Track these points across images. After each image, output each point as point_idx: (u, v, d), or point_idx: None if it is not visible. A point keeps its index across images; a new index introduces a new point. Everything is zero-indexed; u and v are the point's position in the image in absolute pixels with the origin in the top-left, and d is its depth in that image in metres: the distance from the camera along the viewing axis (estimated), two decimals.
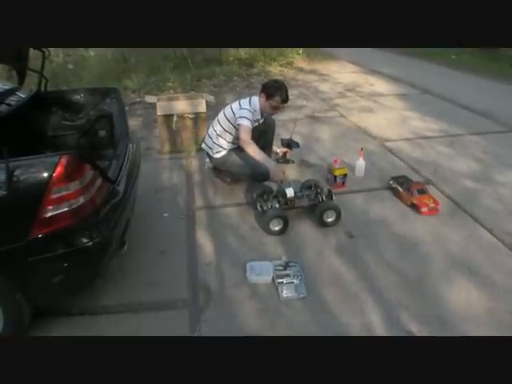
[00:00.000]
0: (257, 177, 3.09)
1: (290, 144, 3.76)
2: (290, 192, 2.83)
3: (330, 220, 2.79)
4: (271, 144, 3.60)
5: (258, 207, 2.86)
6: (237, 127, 3.06)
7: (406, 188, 3.10)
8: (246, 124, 2.97)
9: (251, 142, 2.94)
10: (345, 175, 3.35)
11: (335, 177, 3.32)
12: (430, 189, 3.21)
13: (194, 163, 3.93)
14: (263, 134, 3.39)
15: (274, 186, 3.02)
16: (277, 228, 2.72)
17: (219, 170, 3.41)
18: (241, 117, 3.00)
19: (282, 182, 2.89)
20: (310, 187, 3.02)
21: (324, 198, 2.88)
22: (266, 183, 3.09)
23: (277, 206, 2.82)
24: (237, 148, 3.22)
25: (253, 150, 2.92)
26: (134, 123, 4.98)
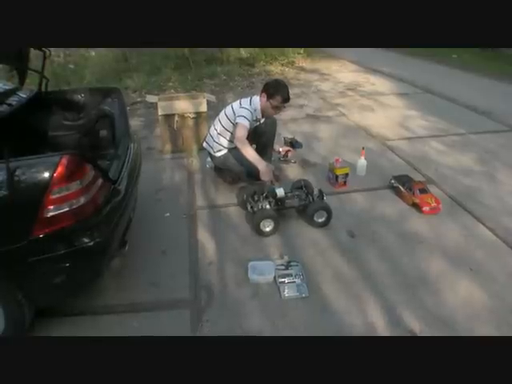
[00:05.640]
0: (254, 175, 3.08)
1: (293, 144, 3.75)
2: (280, 192, 2.81)
3: (320, 220, 2.77)
4: (272, 143, 3.59)
5: (249, 208, 2.84)
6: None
7: (407, 187, 3.09)
8: (243, 123, 2.96)
9: (245, 140, 2.94)
10: (346, 174, 3.34)
11: (337, 176, 3.31)
12: (432, 188, 3.21)
13: (195, 163, 3.93)
14: (264, 134, 3.38)
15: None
16: (267, 229, 2.68)
17: (220, 169, 3.40)
18: (240, 115, 3.01)
19: (272, 182, 2.87)
20: (300, 187, 3.01)
21: (315, 199, 2.87)
22: (262, 182, 3.06)
23: (267, 206, 2.79)
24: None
25: (245, 149, 2.92)
26: (135, 123, 4.98)
